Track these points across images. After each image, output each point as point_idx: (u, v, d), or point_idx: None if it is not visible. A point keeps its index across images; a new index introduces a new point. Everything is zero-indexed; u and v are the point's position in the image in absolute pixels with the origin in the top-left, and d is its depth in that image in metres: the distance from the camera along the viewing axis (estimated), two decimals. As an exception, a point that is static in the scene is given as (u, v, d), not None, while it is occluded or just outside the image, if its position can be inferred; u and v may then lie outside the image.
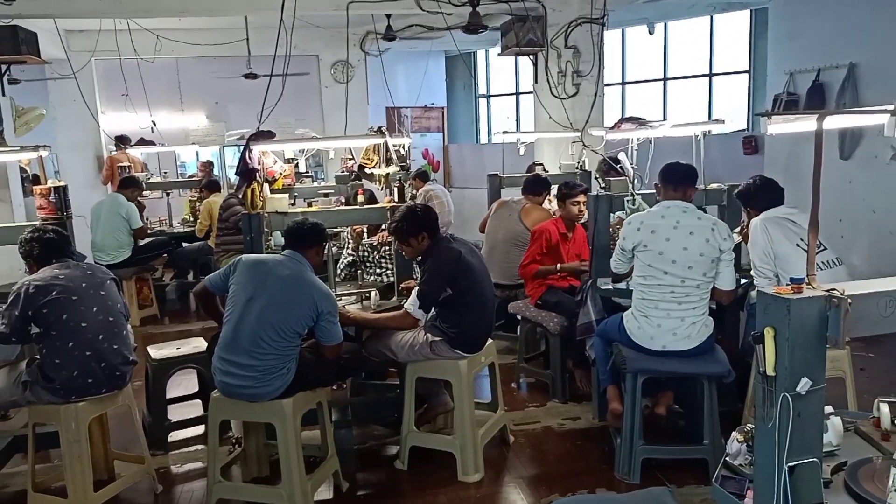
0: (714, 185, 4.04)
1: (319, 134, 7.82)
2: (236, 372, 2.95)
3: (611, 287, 3.78)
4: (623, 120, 4.02)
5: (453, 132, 11.57)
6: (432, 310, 3.39)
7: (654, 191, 3.74)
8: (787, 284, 1.72)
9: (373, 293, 3.69)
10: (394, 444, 3.75)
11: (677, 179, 3.31)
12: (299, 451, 3.00)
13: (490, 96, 11.54)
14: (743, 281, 3.68)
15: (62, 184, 3.57)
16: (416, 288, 3.33)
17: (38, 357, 3.06)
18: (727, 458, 2.19)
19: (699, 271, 3.16)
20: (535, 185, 5.17)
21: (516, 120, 10.96)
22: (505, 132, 6.23)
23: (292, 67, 5.35)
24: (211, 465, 3.10)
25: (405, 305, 3.34)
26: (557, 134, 6.42)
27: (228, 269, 3.10)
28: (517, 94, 10.96)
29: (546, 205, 5.30)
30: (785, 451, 1.66)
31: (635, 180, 3.78)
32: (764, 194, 3.53)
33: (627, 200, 3.75)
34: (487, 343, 3.55)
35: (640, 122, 3.91)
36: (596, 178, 4.03)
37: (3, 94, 6.10)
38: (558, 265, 4.36)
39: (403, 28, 8.50)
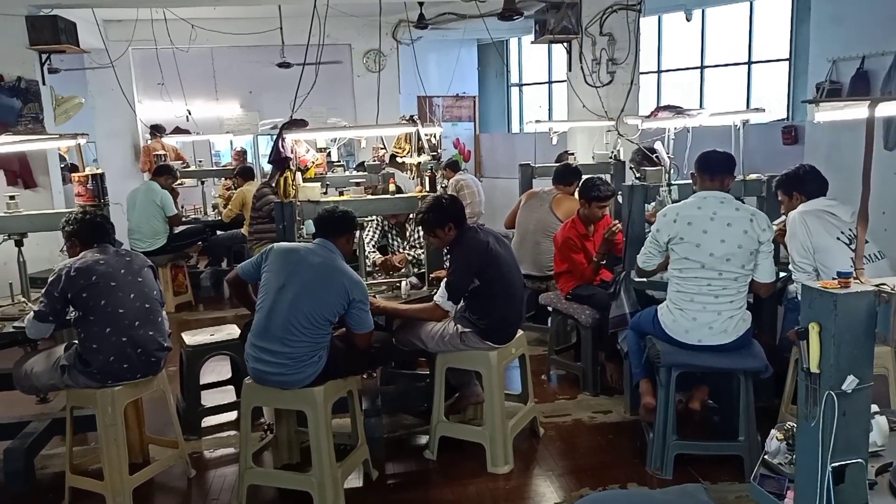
0: (753, 176, 3.93)
1: (351, 123, 7.85)
2: (268, 359, 2.97)
3: (645, 280, 3.71)
4: (660, 108, 3.93)
5: (484, 121, 11.50)
6: (462, 301, 3.37)
7: (690, 181, 3.67)
8: (833, 279, 1.66)
9: (403, 283, 3.68)
10: (423, 433, 3.75)
11: (714, 168, 3.22)
12: (330, 438, 3.01)
13: (522, 85, 11.43)
14: (782, 275, 3.59)
15: (100, 171, 3.62)
16: (444, 279, 3.31)
17: (76, 341, 3.12)
18: (766, 457, 2.13)
19: (737, 264, 3.08)
20: (566, 175, 5.10)
21: (548, 109, 10.84)
22: (538, 121, 6.15)
23: (325, 56, 5.35)
24: (243, 451, 3.13)
25: (434, 297, 3.32)
26: (591, 123, 6.33)
27: (261, 258, 3.11)
28: (549, 82, 10.84)
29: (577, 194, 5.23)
30: (829, 450, 1.61)
31: (671, 170, 3.69)
32: (812, 181, 3.42)
33: (663, 190, 3.67)
34: (518, 334, 3.52)
35: (677, 110, 3.82)
36: (631, 168, 3.95)
37: (44, 83, 6.22)
38: (595, 257, 4.30)
39: (435, 16, 8.45)
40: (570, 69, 6.78)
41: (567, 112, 6.90)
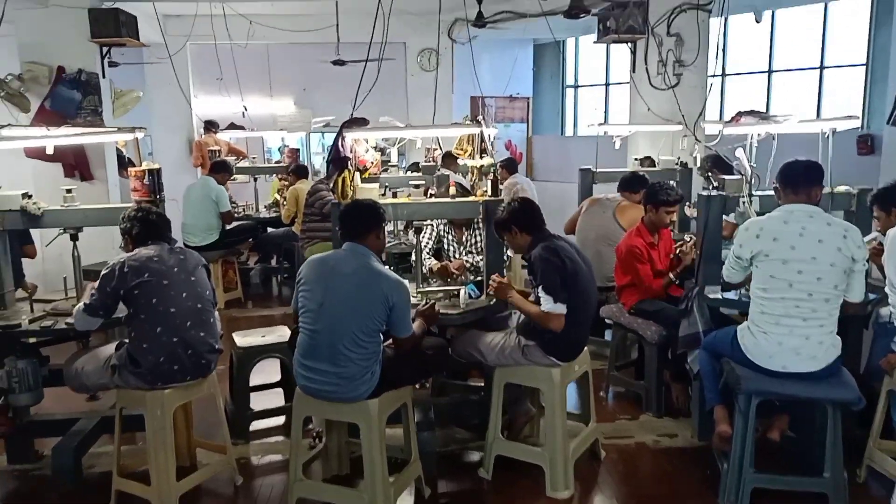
0: (842, 188, 3.64)
1: (403, 122, 7.72)
2: (319, 378, 2.85)
3: (720, 297, 3.47)
4: (743, 113, 3.67)
5: (538, 123, 11.26)
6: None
7: (772, 192, 3.42)
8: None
9: (461, 291, 3.51)
10: (476, 449, 3.58)
11: (798, 180, 2.96)
12: (383, 454, 2.87)
13: (578, 87, 11.14)
14: (871, 296, 3.30)
15: (157, 166, 3.55)
16: (540, 286, 3.09)
17: (126, 340, 3.05)
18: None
19: (829, 283, 2.82)
20: (633, 183, 4.86)
21: (605, 112, 10.54)
22: (600, 124, 5.91)
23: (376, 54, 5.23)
24: (293, 462, 3.01)
25: (542, 307, 3.07)
26: (659, 127, 6.06)
27: (298, 279, 2.97)
28: (607, 84, 10.54)
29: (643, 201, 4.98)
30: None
31: (752, 180, 3.43)
32: None
33: (743, 201, 3.42)
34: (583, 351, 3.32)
35: (761, 115, 3.56)
36: (707, 177, 3.70)
37: (104, 76, 6.27)
38: (671, 275, 4.07)
39: (493, 15, 8.26)
40: (633, 70, 6.53)
41: (629, 115, 6.65)
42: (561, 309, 3.05)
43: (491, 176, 3.61)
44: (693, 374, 3.57)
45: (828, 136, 3.54)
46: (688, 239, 4.13)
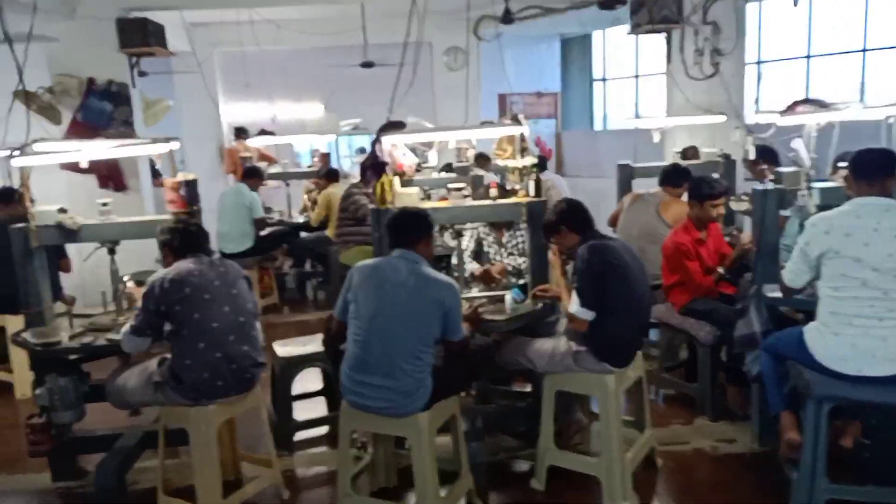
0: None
1: (431, 123, 7.62)
2: (370, 393, 2.74)
3: (780, 296, 3.29)
4: (799, 102, 3.49)
5: (567, 119, 11.07)
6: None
7: (832, 183, 3.25)
8: None
9: (507, 296, 3.39)
10: (525, 458, 3.47)
11: (872, 170, 2.78)
12: (434, 469, 2.77)
13: (606, 80, 10.93)
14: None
15: (193, 177, 3.49)
16: (575, 287, 2.99)
17: (168, 356, 2.98)
18: None
19: (907, 281, 2.64)
20: (675, 177, 4.69)
21: (635, 104, 10.33)
22: (638, 117, 5.75)
23: (407, 55, 5.13)
24: (341, 477, 2.92)
25: (569, 308, 2.98)
26: (700, 118, 5.86)
27: (346, 285, 2.88)
28: (637, 76, 10.32)
29: (685, 197, 4.82)
30: None
31: (811, 172, 3.26)
32: None
33: (802, 195, 3.24)
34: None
35: (819, 103, 3.38)
36: (766, 168, 3.53)
37: (134, 86, 6.26)
38: (720, 269, 3.91)
39: (521, 10, 8.11)
40: (669, 61, 6.33)
41: (666, 107, 6.47)
42: (585, 315, 2.94)
43: (533, 176, 3.48)
44: (752, 377, 3.40)
45: (892, 123, 3.34)
46: (738, 234, 3.96)
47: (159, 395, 2.93)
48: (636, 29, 6.27)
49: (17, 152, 3.39)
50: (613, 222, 5.02)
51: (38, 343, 3.25)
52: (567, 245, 3.15)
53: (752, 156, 4.17)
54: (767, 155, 4.57)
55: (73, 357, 3.36)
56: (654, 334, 4.41)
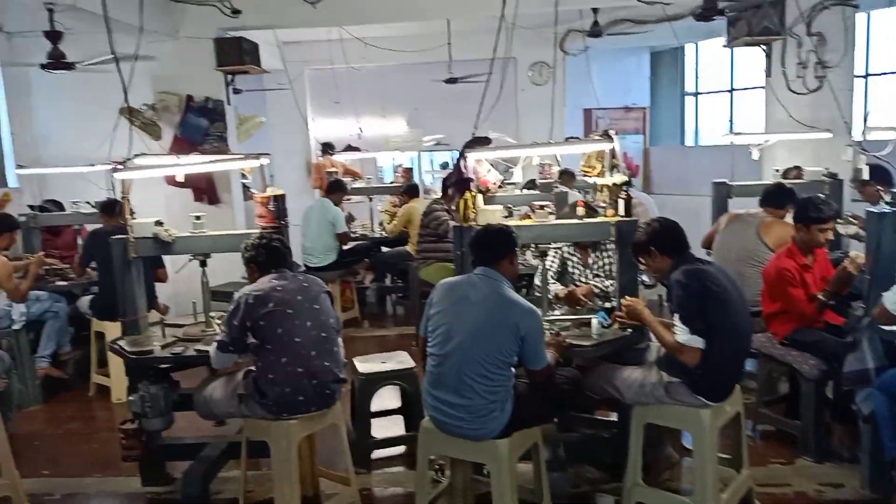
0: None
1: (513, 139, 7.54)
2: (447, 410, 2.70)
3: (897, 328, 3.01)
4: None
5: (655, 134, 10.73)
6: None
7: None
8: None
9: (594, 320, 3.25)
10: (609, 492, 3.30)
11: None
12: (514, 497, 2.67)
13: (699, 94, 10.53)
14: None
15: (281, 192, 3.55)
16: (677, 315, 2.82)
17: (253, 369, 3.02)
18: None
19: None
20: (779, 197, 4.39)
21: (730, 120, 9.89)
22: (736, 133, 5.46)
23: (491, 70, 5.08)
24: (419, 501, 2.87)
25: (677, 338, 2.79)
26: (804, 135, 5.52)
27: (428, 303, 2.88)
28: (732, 90, 9.89)
29: (787, 218, 4.51)
30: None
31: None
32: None
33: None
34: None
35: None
36: (879, 190, 3.26)
37: (229, 103, 6.50)
38: (820, 296, 3.61)
39: (610, 23, 7.94)
40: (769, 74, 6.01)
41: (765, 122, 6.13)
42: (697, 343, 2.74)
43: (624, 195, 3.33)
44: (863, 416, 3.12)
45: None
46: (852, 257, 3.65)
47: (243, 408, 2.97)
48: (733, 42, 5.99)
49: (120, 166, 3.56)
50: (708, 244, 4.76)
51: (132, 351, 3.37)
52: (656, 268, 2.98)
53: (865, 175, 3.84)
54: (881, 175, 4.23)
55: (164, 366, 3.46)
56: (751, 364, 4.14)
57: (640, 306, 3.02)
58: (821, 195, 4.26)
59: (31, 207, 5.70)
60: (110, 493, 3.61)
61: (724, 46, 6.26)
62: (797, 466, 3.52)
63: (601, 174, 3.76)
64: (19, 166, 6.36)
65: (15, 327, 4.69)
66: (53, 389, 5.05)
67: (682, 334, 2.77)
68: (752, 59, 8.35)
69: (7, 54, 6.46)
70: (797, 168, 5.36)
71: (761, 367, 3.96)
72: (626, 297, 3.16)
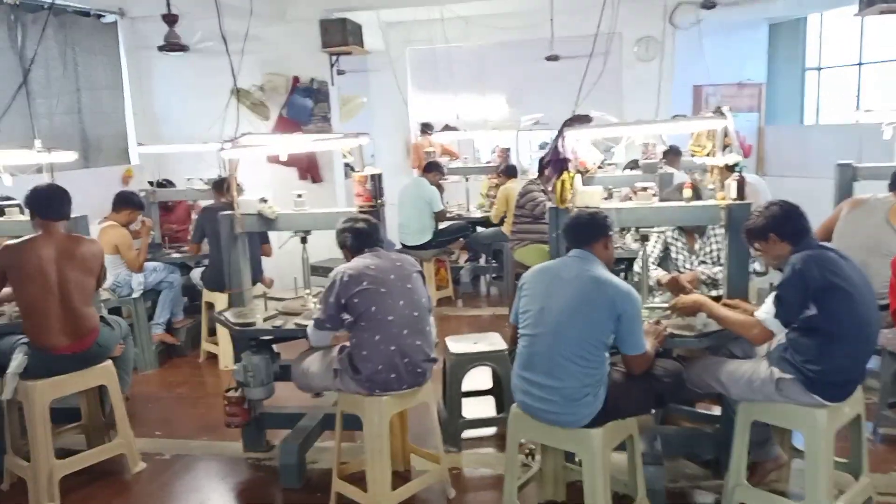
0: None
1: (617, 117, 7.26)
2: (536, 393, 2.64)
3: None
4: None
5: (771, 112, 10.04)
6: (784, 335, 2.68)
7: None
8: None
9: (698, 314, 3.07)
10: (709, 489, 3.15)
11: None
12: (607, 491, 2.58)
13: (822, 69, 9.74)
14: None
15: (378, 171, 3.57)
16: (774, 293, 2.65)
17: (348, 344, 3.07)
18: None
19: None
20: (911, 180, 4.00)
21: (857, 96, 9.09)
22: (867, 110, 5.00)
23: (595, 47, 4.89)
24: (507, 485, 2.84)
25: (757, 312, 2.66)
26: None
27: (519, 288, 2.83)
28: (860, 64, 9.07)
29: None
30: None
31: None
32: None
33: None
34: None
35: None
36: None
37: (332, 84, 6.64)
38: None
39: (726, -7, 7.47)
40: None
41: (899, 99, 5.58)
42: (774, 326, 2.61)
43: (736, 176, 3.11)
44: None
45: None
46: None
47: (338, 382, 3.03)
48: (867, 10, 5.47)
49: (228, 145, 3.70)
50: (826, 235, 4.38)
51: (236, 322, 3.51)
52: (774, 255, 2.77)
53: None
54: None
55: (266, 337, 3.59)
56: (874, 362, 3.81)
57: (692, 300, 2.95)
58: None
59: (150, 184, 6.07)
60: (215, 455, 3.80)
61: (856, 16, 5.73)
62: (925, 476, 3.22)
63: (712, 154, 3.53)
64: (139, 144, 6.77)
65: (134, 296, 5.02)
66: (167, 355, 5.40)
67: (764, 311, 2.62)
68: (884, 29, 7.64)
69: (130, 38, 6.87)
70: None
71: (886, 365, 3.64)
72: (682, 296, 3.08)
